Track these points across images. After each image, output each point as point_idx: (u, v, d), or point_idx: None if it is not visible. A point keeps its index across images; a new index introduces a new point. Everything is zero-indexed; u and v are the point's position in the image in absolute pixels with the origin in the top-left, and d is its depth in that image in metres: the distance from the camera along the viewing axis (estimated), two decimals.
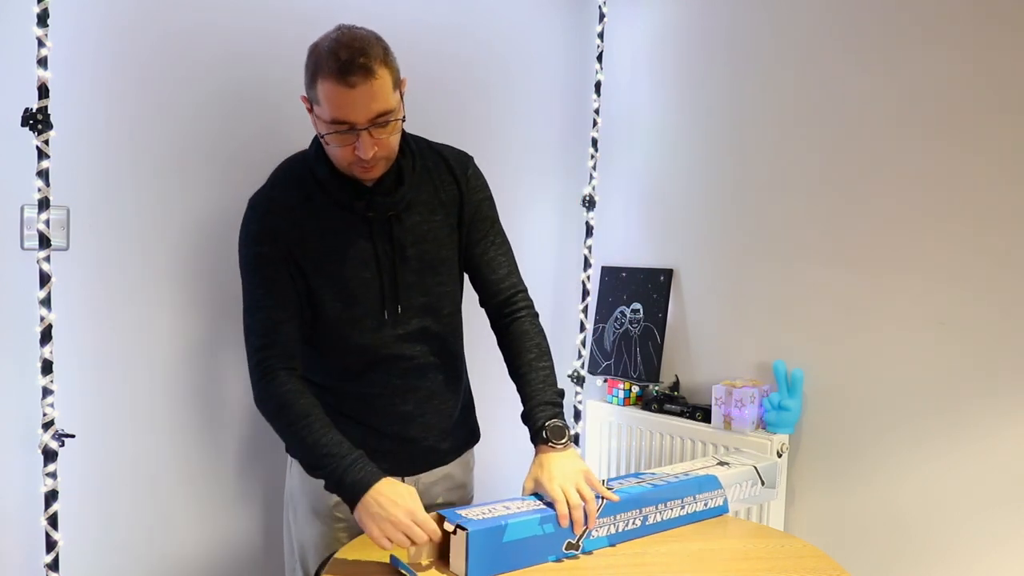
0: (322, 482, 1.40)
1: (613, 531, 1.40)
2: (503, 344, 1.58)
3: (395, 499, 1.27)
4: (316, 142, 1.44)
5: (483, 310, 1.62)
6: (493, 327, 1.60)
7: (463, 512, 1.30)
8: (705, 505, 1.53)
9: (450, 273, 1.54)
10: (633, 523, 1.43)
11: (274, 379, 1.38)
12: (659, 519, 1.46)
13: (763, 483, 1.65)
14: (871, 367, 2.00)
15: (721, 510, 1.56)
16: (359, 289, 1.44)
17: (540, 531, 1.30)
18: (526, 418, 1.48)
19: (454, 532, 1.25)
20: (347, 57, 1.27)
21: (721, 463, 1.69)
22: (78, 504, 1.84)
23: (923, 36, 1.90)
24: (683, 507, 1.49)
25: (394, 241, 1.45)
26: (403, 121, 1.38)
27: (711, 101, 2.38)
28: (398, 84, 1.36)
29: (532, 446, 1.46)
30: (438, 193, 1.50)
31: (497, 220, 1.59)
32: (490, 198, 1.58)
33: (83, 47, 1.80)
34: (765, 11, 2.23)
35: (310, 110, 1.37)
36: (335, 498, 1.49)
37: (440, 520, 1.29)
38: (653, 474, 1.57)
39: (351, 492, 1.30)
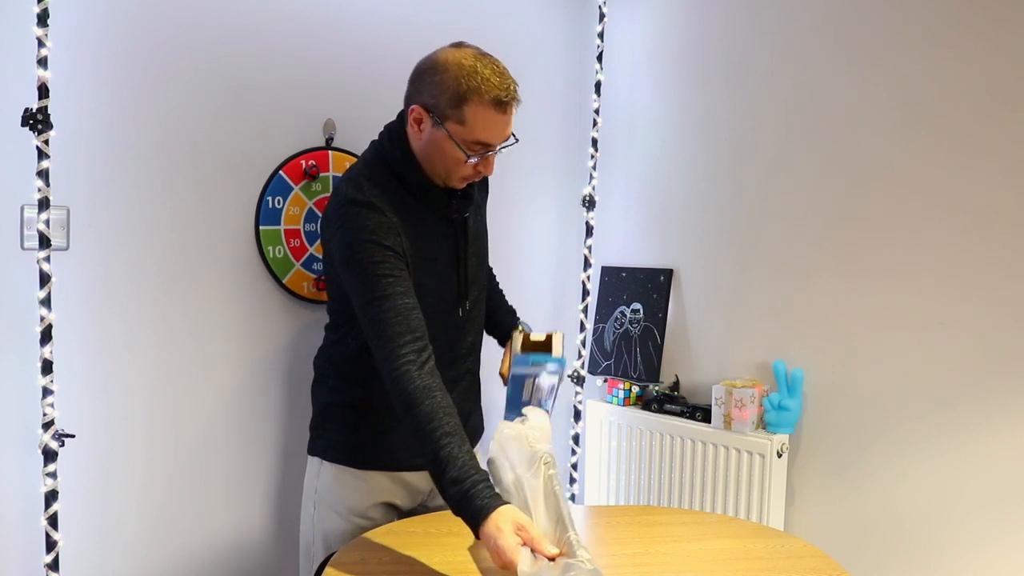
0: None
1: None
2: None
3: (504, 529, 1.20)
4: (402, 148, 1.49)
5: None
6: None
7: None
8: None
9: (486, 267, 1.70)
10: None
11: (405, 375, 1.35)
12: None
13: None
14: (871, 367, 2.00)
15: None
16: (443, 286, 1.54)
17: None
18: (498, 324, 1.78)
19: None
20: (506, 87, 1.39)
21: None
22: (78, 504, 1.84)
23: (922, 38, 1.90)
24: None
25: (466, 239, 1.57)
26: (517, 141, 1.51)
27: (711, 101, 2.38)
28: None
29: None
30: (478, 195, 1.65)
31: None
32: None
33: (83, 47, 1.80)
34: (765, 12, 2.23)
35: (420, 121, 1.44)
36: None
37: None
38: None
39: (471, 521, 1.25)
